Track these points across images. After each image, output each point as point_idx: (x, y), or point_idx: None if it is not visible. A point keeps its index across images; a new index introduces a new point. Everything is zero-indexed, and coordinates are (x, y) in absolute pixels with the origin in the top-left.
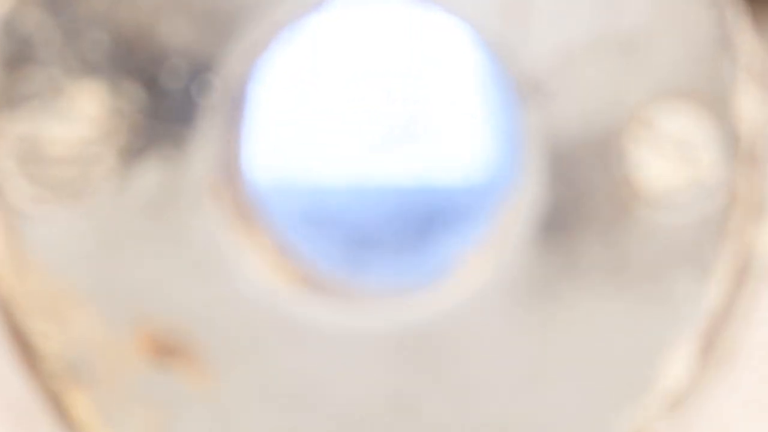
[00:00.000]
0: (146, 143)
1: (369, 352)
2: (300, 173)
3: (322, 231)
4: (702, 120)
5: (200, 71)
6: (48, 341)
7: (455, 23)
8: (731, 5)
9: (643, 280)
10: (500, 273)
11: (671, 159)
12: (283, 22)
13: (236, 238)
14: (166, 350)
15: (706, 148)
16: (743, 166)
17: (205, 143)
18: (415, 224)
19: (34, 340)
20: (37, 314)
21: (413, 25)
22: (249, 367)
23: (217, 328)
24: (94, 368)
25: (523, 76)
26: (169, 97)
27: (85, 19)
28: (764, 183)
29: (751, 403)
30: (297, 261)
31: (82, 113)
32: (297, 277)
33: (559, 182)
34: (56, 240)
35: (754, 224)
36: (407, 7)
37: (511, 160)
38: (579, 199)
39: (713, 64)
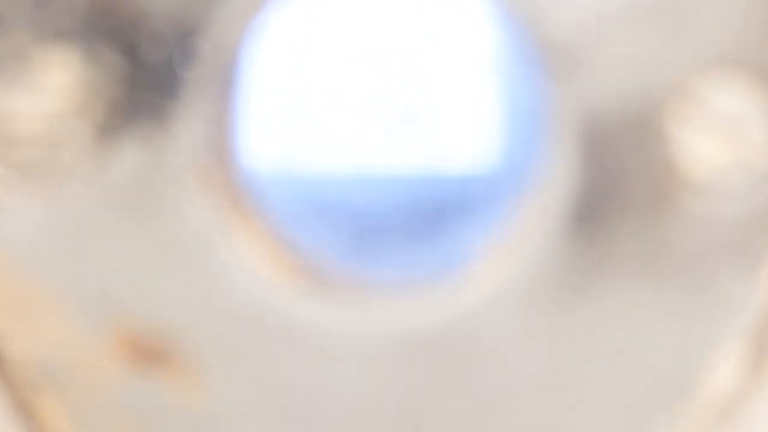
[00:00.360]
0: (125, 120)
1: (377, 358)
2: (300, 156)
3: (325, 220)
4: (754, 94)
5: (186, 36)
6: (17, 344)
7: None
8: None
9: (685, 276)
10: (526, 269)
11: (718, 139)
12: None
13: (228, 228)
14: (149, 354)
15: (758, 127)
16: None
17: (192, 120)
18: (427, 212)
19: (2, 343)
20: (4, 314)
21: None
22: (241, 374)
23: (205, 329)
24: (69, 374)
25: (550, 43)
26: (150, 67)
27: None
28: None
29: None
30: (296, 254)
31: (52, 85)
32: (296, 272)
33: (591, 166)
34: (24, 231)
35: None
36: None
37: (536, 141)
38: (614, 186)
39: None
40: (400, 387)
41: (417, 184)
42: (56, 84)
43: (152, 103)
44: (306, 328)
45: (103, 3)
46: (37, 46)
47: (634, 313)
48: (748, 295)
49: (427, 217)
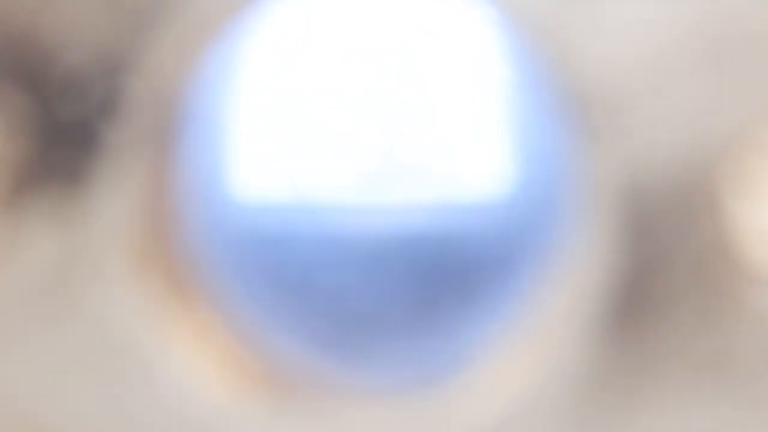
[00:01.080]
0: (35, 188)
1: None
2: (270, 218)
3: (299, 301)
4: None
5: (112, 74)
6: None
7: (492, 17)
8: None
9: (749, 383)
10: (554, 374)
11: None
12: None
13: (166, 328)
14: None
15: None
16: None
17: (120, 187)
18: (426, 289)
19: None
20: None
21: (424, 12)
22: None
23: None
24: None
25: (587, 91)
26: (68, 117)
27: None
28: None
29: None
30: (256, 356)
31: None
32: (255, 381)
33: (635, 246)
34: None
35: None
36: None
37: (565, 208)
38: (661, 271)
39: None
40: None
41: (415, 249)
42: None
43: (70, 166)
44: None
45: (7, 32)
46: None
47: (688, 429)
48: None
49: (426, 293)
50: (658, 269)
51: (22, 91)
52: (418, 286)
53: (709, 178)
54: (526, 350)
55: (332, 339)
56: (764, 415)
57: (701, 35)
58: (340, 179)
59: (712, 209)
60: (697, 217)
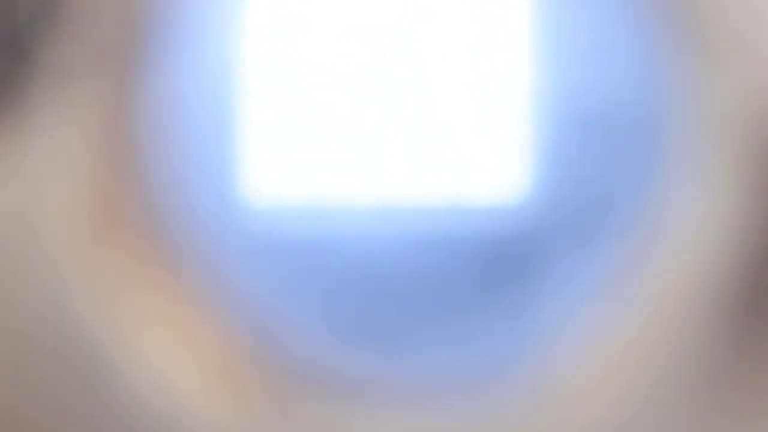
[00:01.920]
0: None
1: None
2: (281, 219)
3: (304, 289)
4: None
5: None
6: None
7: None
8: None
9: None
10: (663, 373)
11: None
12: None
13: (126, 310)
14: None
15: None
16: None
17: (61, 119)
18: (468, 273)
19: None
20: None
21: None
22: None
23: None
24: None
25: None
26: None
27: None
28: None
29: None
30: (256, 350)
31: None
32: (253, 384)
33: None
34: None
35: None
36: None
37: (670, 159)
38: None
39: None
40: None
41: (450, 231)
42: None
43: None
44: None
45: None
46: None
47: None
48: None
49: (469, 278)
50: None
51: None
52: (460, 269)
53: None
54: (625, 343)
55: (355, 333)
56: None
57: None
58: (355, 180)
59: None
60: None
